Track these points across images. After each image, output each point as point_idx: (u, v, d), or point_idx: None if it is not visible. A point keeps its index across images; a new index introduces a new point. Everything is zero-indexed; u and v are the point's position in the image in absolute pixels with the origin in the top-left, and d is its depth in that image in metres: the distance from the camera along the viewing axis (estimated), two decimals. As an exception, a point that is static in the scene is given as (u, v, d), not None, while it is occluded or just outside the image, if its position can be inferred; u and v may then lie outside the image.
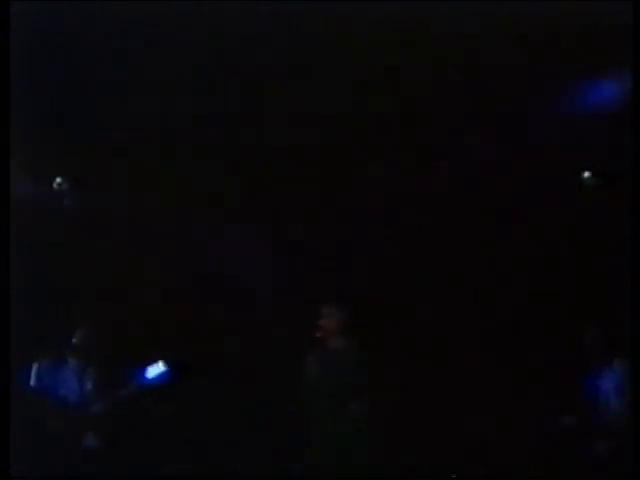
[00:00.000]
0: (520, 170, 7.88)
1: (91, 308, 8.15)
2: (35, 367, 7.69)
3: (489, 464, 7.39)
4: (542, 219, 8.13)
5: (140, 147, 7.91)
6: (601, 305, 7.65)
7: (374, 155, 7.99)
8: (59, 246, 8.21)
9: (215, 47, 7.03)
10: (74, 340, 7.78)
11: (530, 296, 8.19)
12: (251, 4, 6.60)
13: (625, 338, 6.11)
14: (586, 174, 7.69)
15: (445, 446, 7.69)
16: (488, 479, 7.25)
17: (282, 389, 7.66)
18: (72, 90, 7.39)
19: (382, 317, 7.99)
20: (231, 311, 8.38)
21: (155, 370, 7.61)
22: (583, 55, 6.82)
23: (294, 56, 7.06)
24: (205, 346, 8.11)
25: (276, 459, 7.51)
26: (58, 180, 8.06)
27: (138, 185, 8.26)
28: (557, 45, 6.85)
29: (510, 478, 7.27)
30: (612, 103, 7.23)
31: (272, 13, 6.62)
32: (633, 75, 5.78)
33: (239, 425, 7.95)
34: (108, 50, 7.05)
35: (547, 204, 8.08)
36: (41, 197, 8.02)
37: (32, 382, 7.65)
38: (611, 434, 7.12)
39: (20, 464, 6.03)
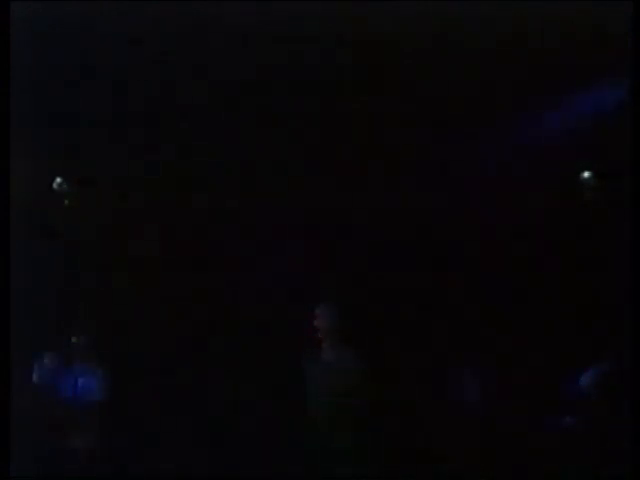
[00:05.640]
0: (520, 170, 7.90)
1: (97, 309, 8.19)
2: (41, 367, 7.71)
3: (488, 464, 7.41)
4: (542, 219, 8.15)
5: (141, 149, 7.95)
6: (601, 305, 7.67)
7: (377, 156, 8.03)
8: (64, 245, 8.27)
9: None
10: (79, 340, 7.81)
11: (529, 297, 8.21)
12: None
13: (625, 338, 6.11)
14: (586, 174, 7.72)
15: (444, 447, 7.70)
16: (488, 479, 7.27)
17: (278, 389, 7.68)
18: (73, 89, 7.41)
19: (378, 319, 8.01)
20: (230, 311, 8.42)
21: None
22: (583, 55, 6.84)
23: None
24: (200, 345, 8.14)
25: (273, 460, 7.51)
26: (58, 180, 8.09)
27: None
28: (557, 45, 6.86)
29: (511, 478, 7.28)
30: (612, 104, 7.24)
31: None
32: (633, 76, 5.78)
33: (233, 425, 7.96)
34: (109, 47, 7.06)
35: (547, 204, 8.10)
36: (41, 197, 8.06)
37: (37, 381, 7.67)
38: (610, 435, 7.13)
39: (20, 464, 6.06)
